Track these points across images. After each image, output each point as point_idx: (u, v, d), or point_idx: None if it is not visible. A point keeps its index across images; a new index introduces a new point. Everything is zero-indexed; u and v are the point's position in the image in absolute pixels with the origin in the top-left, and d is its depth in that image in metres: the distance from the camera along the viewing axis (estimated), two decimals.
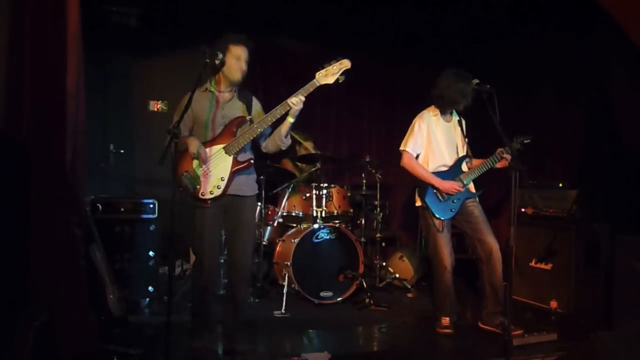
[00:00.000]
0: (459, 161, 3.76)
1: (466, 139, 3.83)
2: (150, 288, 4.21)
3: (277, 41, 5.86)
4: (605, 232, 3.95)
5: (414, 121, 3.79)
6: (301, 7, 5.35)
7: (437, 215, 3.65)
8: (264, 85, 5.93)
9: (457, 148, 3.78)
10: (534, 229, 4.39)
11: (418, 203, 3.77)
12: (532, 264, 4.36)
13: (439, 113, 3.76)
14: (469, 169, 3.78)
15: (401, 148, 3.77)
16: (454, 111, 3.82)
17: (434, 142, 3.72)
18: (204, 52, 3.22)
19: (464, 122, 3.86)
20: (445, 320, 3.68)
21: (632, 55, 3.63)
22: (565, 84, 4.95)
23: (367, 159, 5.03)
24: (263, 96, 5.92)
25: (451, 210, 3.67)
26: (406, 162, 3.73)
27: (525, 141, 3.64)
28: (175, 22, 5.38)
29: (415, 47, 6.03)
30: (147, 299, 4.21)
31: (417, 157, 3.76)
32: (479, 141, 4.16)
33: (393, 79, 6.31)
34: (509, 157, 3.58)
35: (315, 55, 6.00)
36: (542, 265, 4.28)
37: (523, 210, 4.51)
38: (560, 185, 4.40)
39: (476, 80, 3.43)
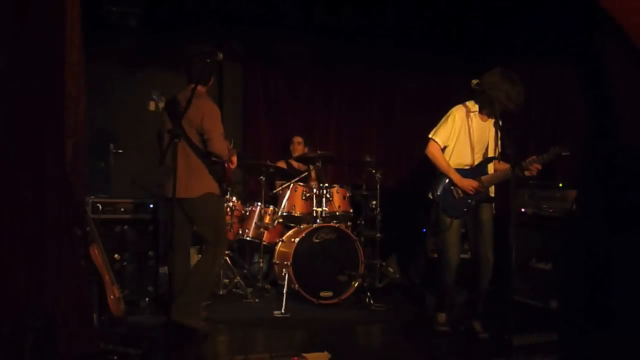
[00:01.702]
0: (485, 162, 3.59)
1: (500, 142, 3.58)
2: (150, 288, 4.21)
3: (277, 46, 5.86)
4: (605, 232, 3.95)
5: (450, 111, 3.59)
6: (302, 10, 5.35)
7: (448, 213, 3.53)
8: (264, 91, 5.93)
9: (487, 149, 3.61)
10: (534, 229, 4.39)
11: (430, 196, 3.61)
12: (532, 264, 4.36)
13: (478, 110, 3.58)
14: (495, 172, 3.60)
15: (430, 135, 3.58)
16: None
17: (464, 137, 3.55)
18: (203, 52, 3.25)
19: (501, 124, 3.52)
20: (442, 317, 3.65)
21: (632, 55, 3.63)
22: (565, 83, 4.96)
23: (367, 159, 5.03)
24: (263, 103, 5.94)
25: (465, 210, 3.53)
26: (431, 151, 3.55)
27: (563, 153, 3.38)
28: (175, 22, 5.38)
29: (416, 49, 6.03)
30: (147, 299, 4.21)
31: (444, 149, 3.58)
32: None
33: (394, 79, 6.31)
34: (539, 167, 3.39)
35: (316, 59, 6.04)
36: (542, 265, 4.28)
37: (523, 210, 4.51)
38: (560, 185, 4.40)
39: (476, 80, 3.35)
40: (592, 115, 4.62)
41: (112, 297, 3.32)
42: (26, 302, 2.49)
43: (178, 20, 5.35)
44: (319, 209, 4.60)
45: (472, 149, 3.56)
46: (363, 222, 5.08)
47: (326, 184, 4.70)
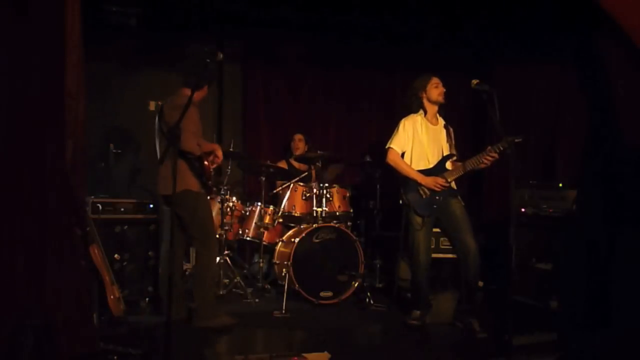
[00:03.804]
0: (443, 160, 3.84)
1: (452, 142, 3.91)
2: (150, 288, 4.21)
3: (277, 46, 5.85)
4: (605, 232, 3.95)
5: (400, 121, 3.91)
6: (302, 9, 5.35)
7: (419, 212, 3.74)
8: (264, 91, 5.93)
9: (441, 149, 3.87)
10: (534, 229, 4.39)
11: (401, 200, 3.87)
12: (532, 264, 4.36)
13: (424, 115, 3.88)
14: (452, 167, 3.84)
15: (387, 146, 3.88)
16: (439, 116, 3.94)
17: (418, 141, 3.83)
18: (203, 52, 3.24)
19: (450, 129, 3.96)
20: (415, 314, 3.79)
21: (632, 55, 3.63)
22: (565, 83, 4.96)
23: (367, 159, 5.03)
24: (263, 103, 5.94)
25: (434, 207, 3.73)
26: (391, 158, 3.85)
27: (516, 140, 3.50)
28: (175, 22, 5.37)
29: (416, 49, 6.03)
30: (147, 299, 4.21)
31: (402, 155, 3.86)
32: (473, 145, 4.16)
33: (394, 79, 6.30)
34: (496, 156, 3.57)
35: (316, 59, 6.04)
36: (542, 265, 4.28)
37: (523, 210, 4.51)
38: (560, 185, 4.40)
39: (476, 80, 3.44)
40: (592, 115, 4.62)
41: (112, 297, 3.32)
42: (26, 302, 2.49)
43: (178, 20, 5.35)
44: (319, 209, 4.59)
45: (428, 151, 3.83)
46: (363, 222, 5.08)
47: (326, 184, 4.71)
